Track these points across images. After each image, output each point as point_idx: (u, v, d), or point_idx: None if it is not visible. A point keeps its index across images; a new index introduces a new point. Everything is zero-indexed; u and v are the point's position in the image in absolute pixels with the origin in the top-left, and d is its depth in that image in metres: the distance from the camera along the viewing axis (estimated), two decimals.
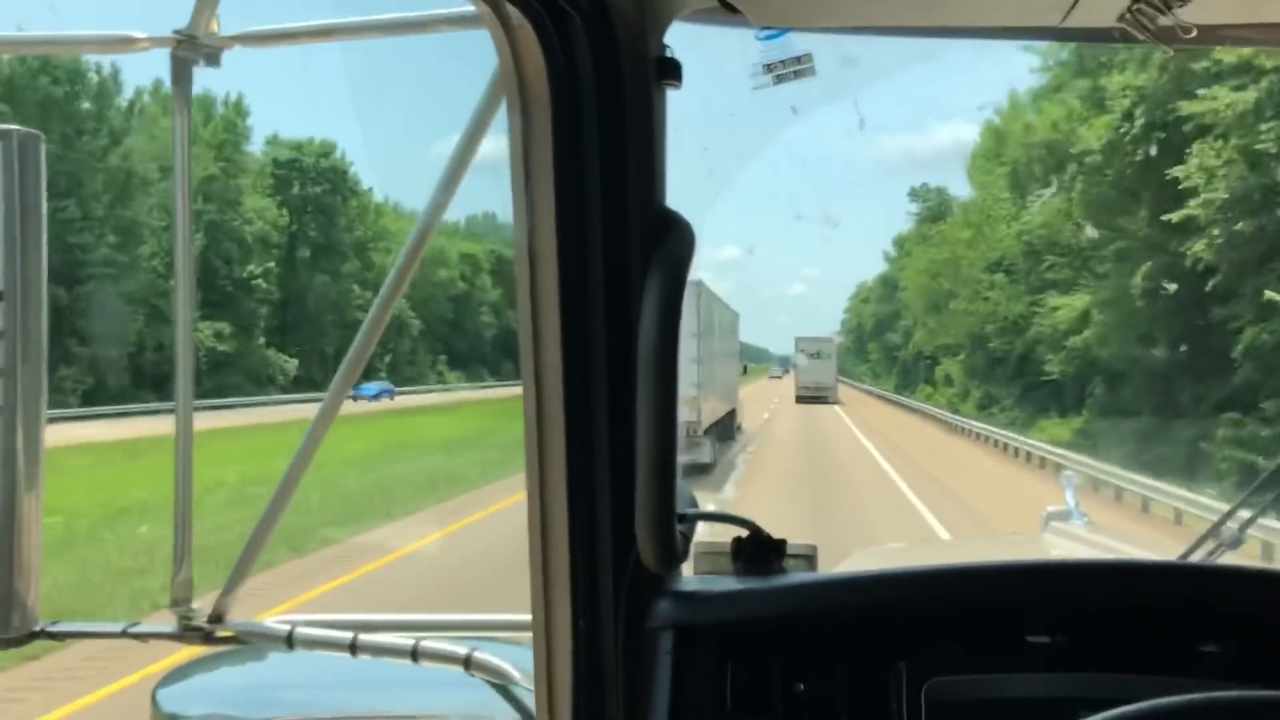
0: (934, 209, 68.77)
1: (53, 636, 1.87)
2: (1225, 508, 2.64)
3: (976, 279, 48.60)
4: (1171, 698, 1.15)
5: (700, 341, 22.49)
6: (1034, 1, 1.44)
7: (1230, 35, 1.50)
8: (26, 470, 1.72)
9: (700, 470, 21.70)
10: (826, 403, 55.73)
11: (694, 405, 21.70)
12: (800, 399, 56.54)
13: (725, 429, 28.04)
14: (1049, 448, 28.95)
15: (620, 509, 1.47)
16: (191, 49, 1.95)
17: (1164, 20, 1.26)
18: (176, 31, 1.94)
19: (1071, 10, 1.37)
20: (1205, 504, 17.26)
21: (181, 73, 1.96)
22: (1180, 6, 1.24)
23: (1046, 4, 1.39)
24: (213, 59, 1.98)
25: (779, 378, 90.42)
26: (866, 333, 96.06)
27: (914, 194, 73.26)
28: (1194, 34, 1.27)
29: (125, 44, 2.01)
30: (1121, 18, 1.30)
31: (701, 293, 23.01)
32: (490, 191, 1.58)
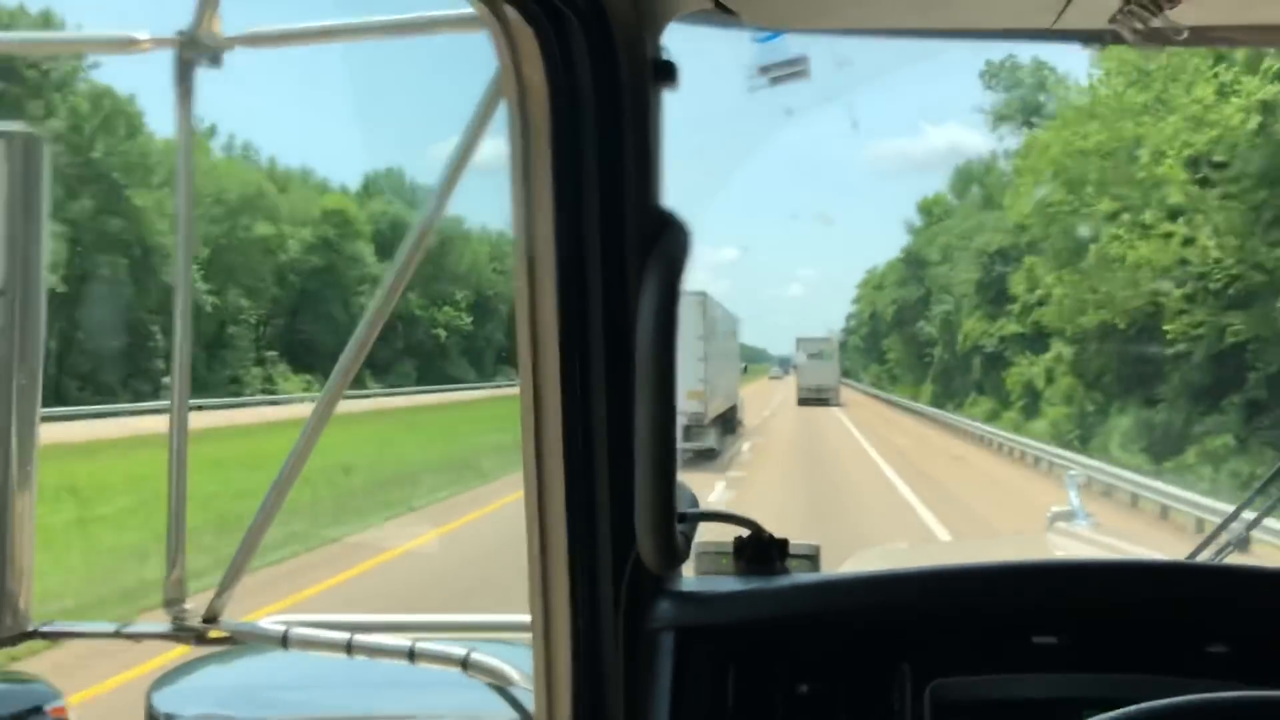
0: (1028, 101, 43.94)
1: (45, 636, 1.88)
2: None
3: (1155, 182, 25.18)
4: (1176, 698, 1.15)
5: (705, 343, 25.34)
6: (1026, 3, 1.45)
7: (1222, 36, 1.51)
8: (20, 469, 1.73)
9: (707, 456, 24.32)
10: (829, 404, 54.79)
11: (701, 398, 24.44)
12: (802, 400, 55.61)
13: (728, 423, 31.00)
14: None
15: (620, 509, 1.47)
16: (194, 49, 1.96)
17: (1156, 22, 1.27)
18: (179, 32, 1.95)
19: (1064, 12, 1.38)
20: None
21: (184, 73, 1.97)
22: (1171, 8, 1.25)
23: (1038, 6, 1.40)
24: (215, 59, 1.99)
25: (779, 378, 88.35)
26: (885, 324, 73.74)
27: (988, 74, 46.42)
28: (1186, 35, 1.28)
29: (128, 45, 2.02)
30: (1113, 19, 1.31)
31: (706, 301, 26.22)
32: (488, 192, 1.56)
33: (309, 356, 47.49)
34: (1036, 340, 37.05)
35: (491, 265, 65.86)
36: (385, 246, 54.49)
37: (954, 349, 50.39)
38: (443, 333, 61.23)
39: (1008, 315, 41.33)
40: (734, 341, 36.50)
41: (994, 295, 43.63)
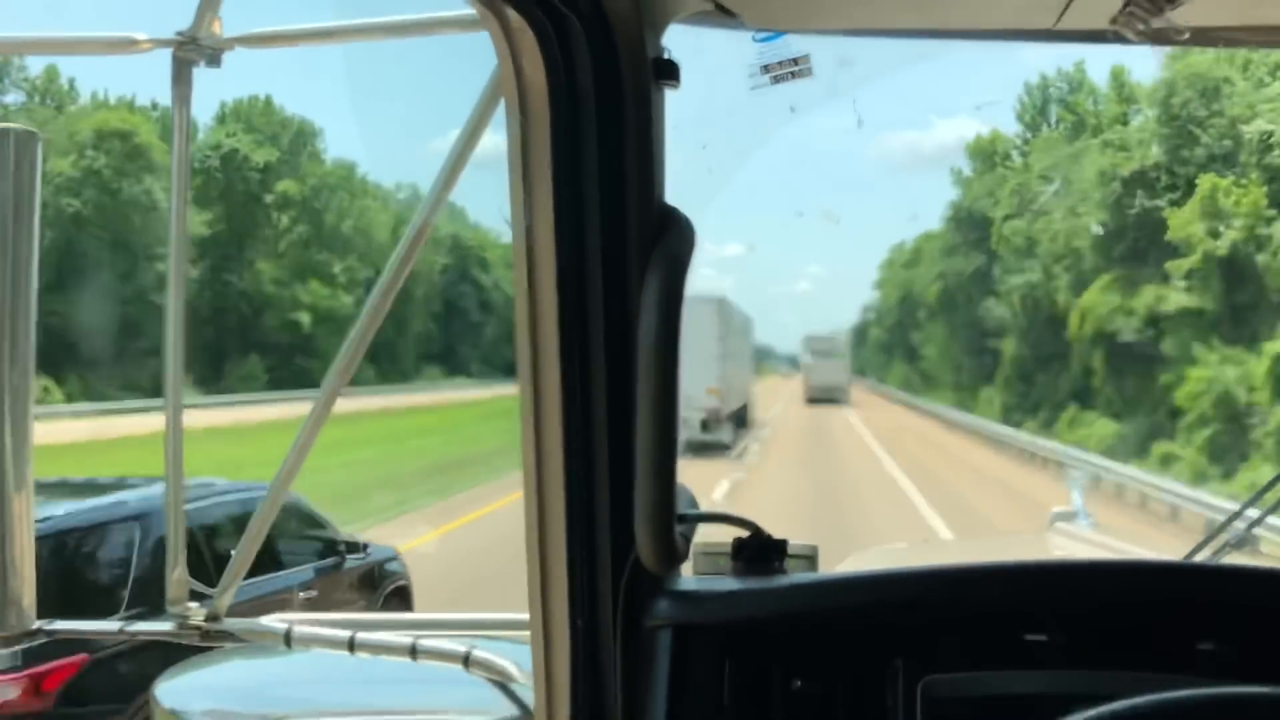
0: None
1: (49, 635, 1.89)
2: None
3: None
4: (1160, 694, 1.15)
5: (723, 343, 27.54)
6: (1028, 3, 1.45)
7: (1222, 36, 1.50)
8: (15, 470, 1.73)
9: (722, 447, 25.70)
10: (838, 403, 54.00)
11: (718, 395, 26.27)
12: (811, 400, 54.92)
13: (741, 419, 32.96)
14: None
15: (619, 508, 1.47)
16: (193, 50, 1.96)
17: (1157, 22, 1.27)
18: (179, 33, 1.96)
19: (1065, 12, 1.37)
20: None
21: (182, 73, 1.98)
22: (1172, 9, 1.25)
23: (1040, 6, 1.39)
24: (214, 60, 2.00)
25: (788, 377, 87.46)
26: (926, 308, 52.44)
27: None
28: (1187, 35, 1.28)
29: (128, 45, 2.02)
30: (1115, 20, 1.30)
31: (724, 304, 28.47)
32: (490, 188, 1.55)
33: (61, 353, 29.05)
34: (1237, 316, 22.56)
35: (398, 230, 49.68)
36: (215, 189, 38.85)
37: (1043, 337, 33.13)
38: (305, 317, 41.51)
39: (1165, 280, 24.82)
40: (748, 342, 38.34)
41: (1134, 247, 26.75)
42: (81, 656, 4.62)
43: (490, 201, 1.49)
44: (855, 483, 21.57)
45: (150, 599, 5.07)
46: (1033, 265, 35.58)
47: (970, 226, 44.50)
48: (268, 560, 6.46)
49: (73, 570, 5.51)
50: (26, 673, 4.46)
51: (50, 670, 4.52)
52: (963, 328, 45.09)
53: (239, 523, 6.11)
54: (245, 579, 3.63)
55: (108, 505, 5.95)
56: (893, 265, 63.90)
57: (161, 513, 4.29)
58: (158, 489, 4.69)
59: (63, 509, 5.59)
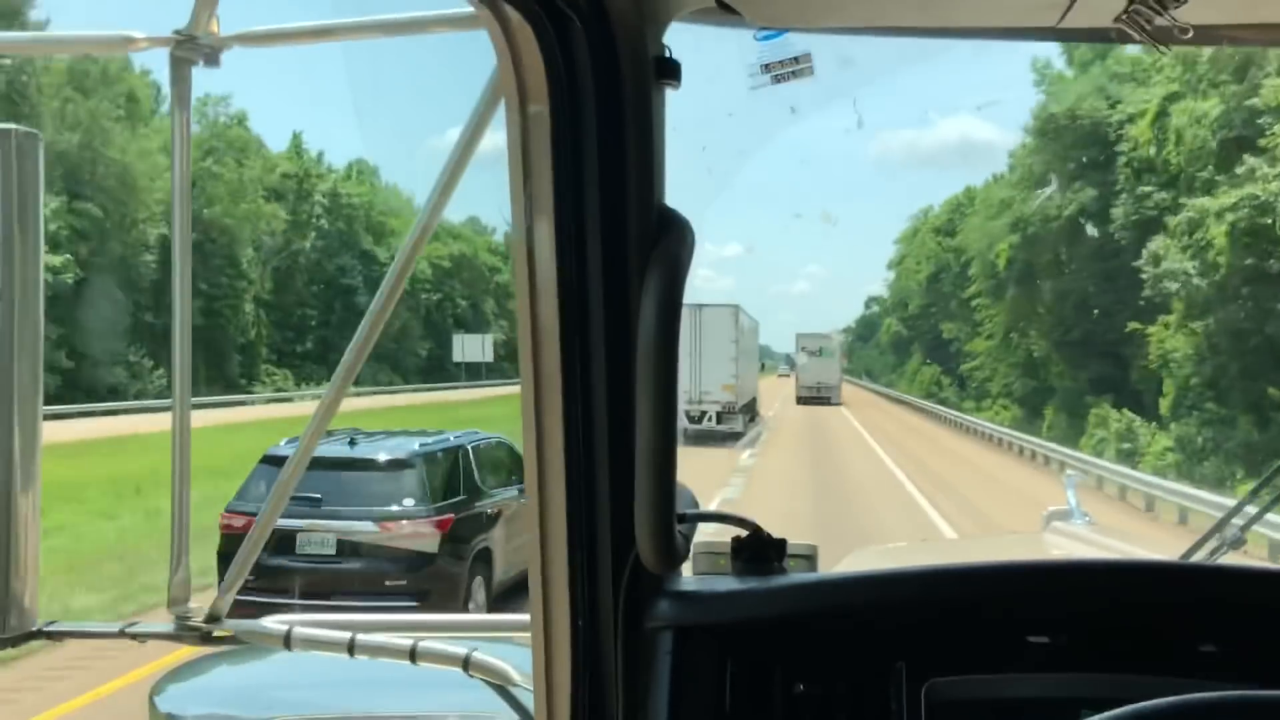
0: None
1: (50, 636, 1.88)
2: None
3: None
4: (1172, 698, 1.15)
5: (736, 345, 31.56)
6: (1031, 2, 1.44)
7: (1227, 35, 1.50)
8: (23, 469, 1.73)
9: (735, 436, 30.08)
10: (829, 403, 53.60)
11: (733, 390, 30.49)
12: (801, 399, 54.38)
13: (749, 411, 36.98)
14: None
15: (619, 509, 1.47)
16: (190, 49, 1.96)
17: (1161, 20, 1.26)
18: (176, 31, 1.95)
19: (1069, 11, 1.37)
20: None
21: (180, 73, 1.97)
22: (1177, 7, 1.24)
23: (1043, 4, 1.39)
24: (212, 59, 1.99)
25: (786, 376, 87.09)
26: (990, 281, 37.56)
27: None
28: (1191, 34, 1.28)
29: (125, 44, 2.02)
30: (1118, 18, 1.30)
31: (739, 311, 32.81)
32: (490, 189, 1.54)
33: None
34: None
35: (204, 162, 35.48)
36: None
37: None
38: None
39: None
40: (756, 343, 43.63)
41: None
42: (450, 515, 10.46)
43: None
44: (846, 464, 25.78)
45: (468, 490, 11.15)
46: (1260, 168, 19.64)
47: (1075, 142, 27.58)
48: (500, 480, 11.86)
49: (437, 471, 10.91)
50: (436, 519, 10.27)
51: (445, 519, 10.37)
52: (1060, 302, 27.91)
53: (499, 453, 12.30)
54: (501, 486, 11.72)
55: (441, 439, 11.75)
56: (916, 234, 49.69)
57: (466, 442, 11.70)
58: (454, 432, 12.17)
59: (430, 439, 11.57)
